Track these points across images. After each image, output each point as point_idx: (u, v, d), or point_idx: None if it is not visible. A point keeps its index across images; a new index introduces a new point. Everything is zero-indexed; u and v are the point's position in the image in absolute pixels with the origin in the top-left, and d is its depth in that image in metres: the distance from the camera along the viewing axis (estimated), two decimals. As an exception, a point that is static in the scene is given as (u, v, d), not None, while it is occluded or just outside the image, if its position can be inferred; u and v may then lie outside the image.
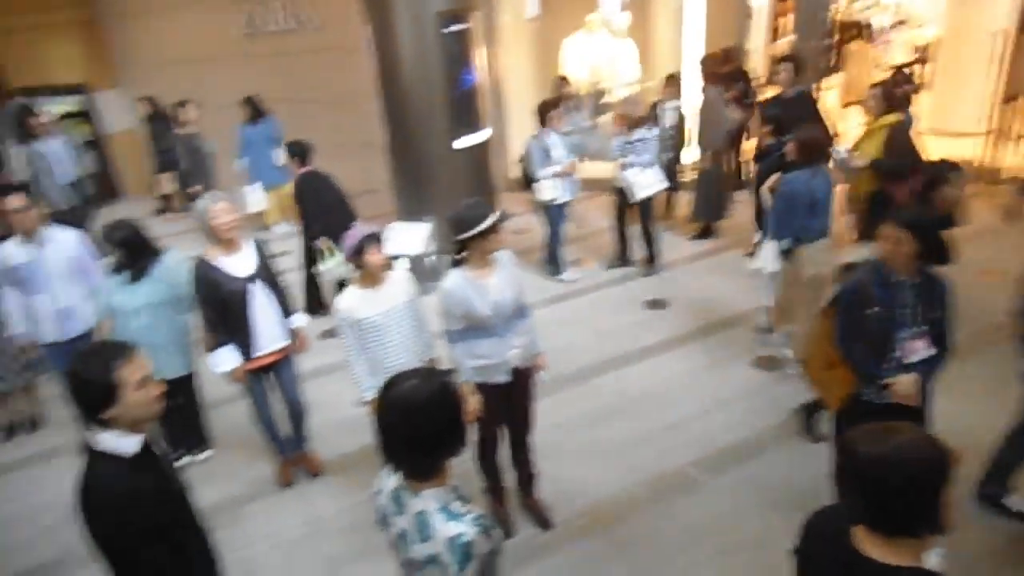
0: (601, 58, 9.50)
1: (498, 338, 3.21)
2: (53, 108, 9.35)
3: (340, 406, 4.56)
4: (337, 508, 3.90)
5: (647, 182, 6.13)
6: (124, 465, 2.00)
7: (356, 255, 3.27)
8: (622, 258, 6.72)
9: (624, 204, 6.38)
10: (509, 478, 3.64)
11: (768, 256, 4.50)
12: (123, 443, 2.01)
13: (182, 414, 4.22)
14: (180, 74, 9.77)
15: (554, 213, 6.31)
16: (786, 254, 4.39)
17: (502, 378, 3.28)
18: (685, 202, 7.45)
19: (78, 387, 1.97)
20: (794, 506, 2.24)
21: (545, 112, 6.09)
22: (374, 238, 3.29)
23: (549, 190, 6.13)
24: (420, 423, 1.75)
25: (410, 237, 6.09)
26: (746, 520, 3.55)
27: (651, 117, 6.54)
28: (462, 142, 6.19)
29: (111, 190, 10.46)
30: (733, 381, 4.74)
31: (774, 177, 4.70)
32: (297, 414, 4.06)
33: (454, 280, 3.12)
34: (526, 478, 3.66)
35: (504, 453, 3.55)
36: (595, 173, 7.48)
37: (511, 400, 3.39)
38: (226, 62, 9.54)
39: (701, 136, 6.94)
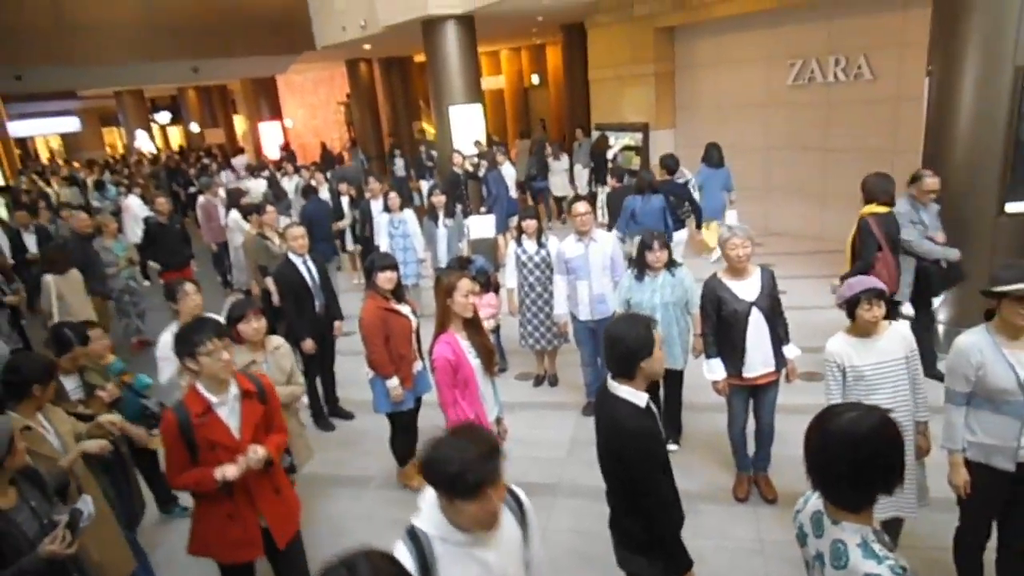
0: None
1: (1013, 419, 2.83)
2: (619, 140, 11.59)
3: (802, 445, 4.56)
4: (786, 538, 3.88)
5: None
6: (638, 410, 2.53)
7: (851, 307, 3.24)
8: None
9: None
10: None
11: None
12: (636, 396, 2.55)
13: (667, 400, 4.83)
14: (723, 119, 10.81)
15: None
16: None
17: (1003, 464, 2.89)
18: None
19: (615, 343, 2.54)
20: None
21: None
22: (873, 292, 3.20)
23: None
24: (851, 456, 1.76)
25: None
26: None
27: None
28: (1016, 207, 5.41)
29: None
30: None
31: None
32: (767, 437, 4.26)
33: (974, 338, 2.89)
34: (1016, 595, 3.11)
35: (991, 555, 3.10)
36: None
37: (1014, 496, 2.94)
38: (768, 109, 10.20)
39: None
